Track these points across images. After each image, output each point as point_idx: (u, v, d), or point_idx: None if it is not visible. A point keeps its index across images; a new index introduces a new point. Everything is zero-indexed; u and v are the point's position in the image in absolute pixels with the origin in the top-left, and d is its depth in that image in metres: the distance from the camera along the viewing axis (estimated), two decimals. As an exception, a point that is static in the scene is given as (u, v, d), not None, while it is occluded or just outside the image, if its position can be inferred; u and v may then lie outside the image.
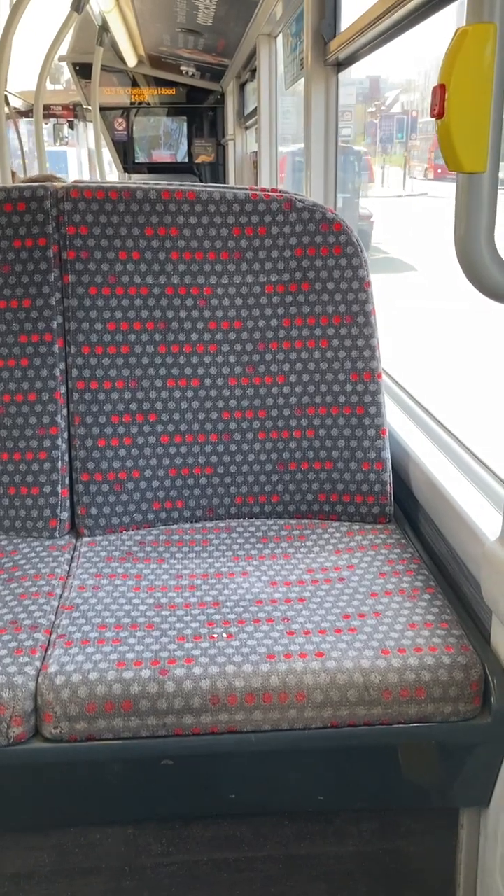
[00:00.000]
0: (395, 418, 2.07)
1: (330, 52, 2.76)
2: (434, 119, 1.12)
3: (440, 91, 1.10)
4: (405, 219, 17.36)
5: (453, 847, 1.53)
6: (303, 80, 3.05)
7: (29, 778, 1.37)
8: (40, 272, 1.80)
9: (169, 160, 8.59)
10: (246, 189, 1.85)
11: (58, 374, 1.83)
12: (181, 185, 1.84)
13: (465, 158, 1.11)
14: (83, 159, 13.27)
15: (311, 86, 2.87)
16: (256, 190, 1.85)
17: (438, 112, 1.10)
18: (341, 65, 2.82)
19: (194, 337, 1.85)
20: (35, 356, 1.82)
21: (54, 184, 1.83)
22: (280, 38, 4.40)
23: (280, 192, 1.86)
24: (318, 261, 1.84)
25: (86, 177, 12.37)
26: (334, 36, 2.76)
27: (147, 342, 1.84)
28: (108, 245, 1.80)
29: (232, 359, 1.86)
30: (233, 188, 1.84)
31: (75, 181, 1.84)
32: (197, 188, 1.83)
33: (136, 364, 1.84)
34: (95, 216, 1.79)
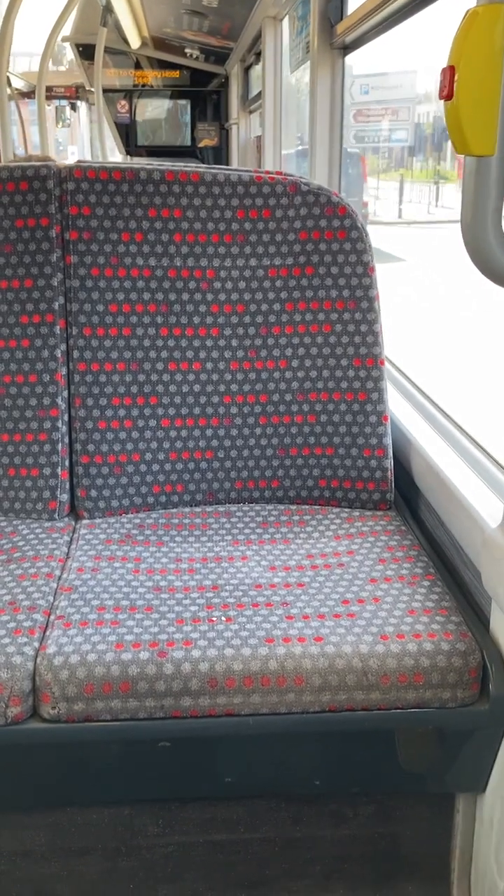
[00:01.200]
0: (396, 405, 2.06)
1: (336, 36, 2.74)
2: (442, 101, 1.11)
3: (449, 73, 1.09)
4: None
5: (448, 832, 1.54)
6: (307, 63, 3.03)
7: (26, 758, 1.38)
8: (42, 252, 1.79)
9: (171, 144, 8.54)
10: (251, 171, 1.83)
11: (59, 355, 1.82)
12: (185, 166, 1.82)
13: (473, 141, 1.10)
14: (85, 142, 13.19)
15: (316, 69, 2.85)
16: (261, 172, 1.84)
17: (447, 94, 1.09)
18: (347, 48, 2.80)
19: (196, 320, 1.84)
20: (36, 337, 1.81)
21: (57, 163, 1.82)
22: (286, 21, 4.37)
23: (285, 174, 1.85)
24: (323, 245, 1.82)
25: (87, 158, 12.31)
26: (341, 19, 2.74)
27: (149, 324, 1.83)
28: (111, 226, 1.79)
29: (234, 342, 1.85)
30: (237, 170, 1.83)
31: (79, 161, 1.82)
32: (201, 169, 1.81)
33: (138, 346, 1.83)
34: (98, 196, 1.78)
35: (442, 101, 1.11)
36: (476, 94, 1.09)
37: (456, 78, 1.08)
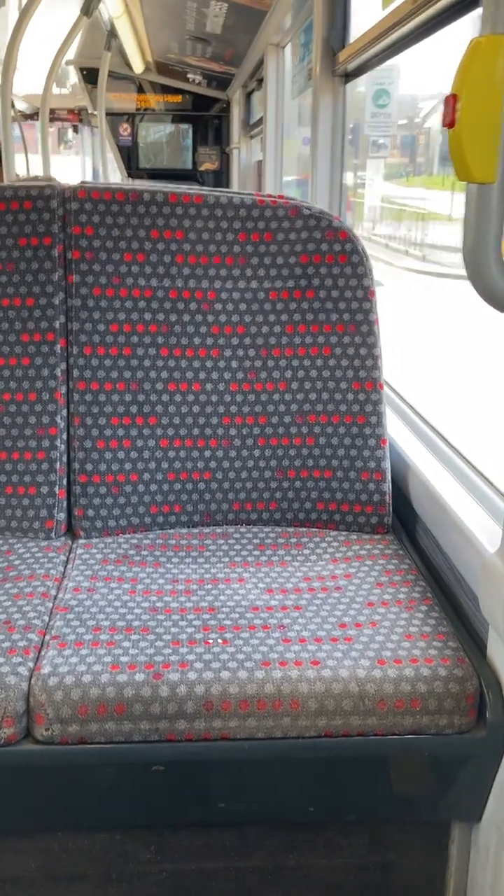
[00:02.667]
0: (395, 429, 2.06)
1: (339, 63, 2.77)
2: (445, 128, 1.12)
3: (452, 101, 1.10)
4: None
5: (444, 861, 1.52)
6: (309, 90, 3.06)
7: (18, 780, 1.36)
8: (45, 271, 1.80)
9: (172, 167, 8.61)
10: (252, 195, 1.85)
11: (59, 374, 1.82)
12: (188, 188, 1.84)
13: (475, 168, 1.11)
14: (87, 164, 13.30)
15: (318, 96, 2.88)
16: (263, 196, 1.85)
17: (450, 122, 1.10)
18: (349, 76, 2.83)
19: (197, 341, 1.84)
20: (37, 355, 1.82)
21: (62, 183, 1.83)
22: (288, 48, 4.42)
23: (287, 198, 1.86)
24: (324, 268, 1.83)
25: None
26: (343, 47, 2.77)
27: (149, 344, 1.83)
28: (114, 246, 1.80)
29: (234, 364, 1.86)
30: (240, 193, 1.84)
31: (82, 182, 1.84)
32: (204, 192, 1.83)
33: (138, 366, 1.83)
34: (102, 217, 1.79)
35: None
36: (478, 122, 1.10)
37: (458, 106, 1.10)
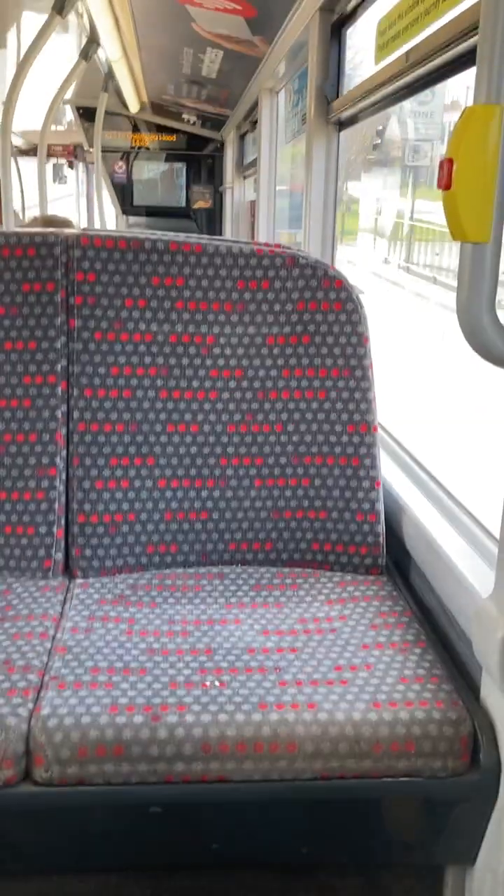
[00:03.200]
0: (389, 471, 2.10)
1: (332, 112, 2.84)
2: (441, 190, 1.17)
3: (448, 164, 1.15)
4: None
5: None
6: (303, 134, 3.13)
7: (17, 822, 1.37)
8: (47, 316, 1.84)
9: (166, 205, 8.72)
10: (250, 244, 1.90)
11: (59, 415, 1.85)
12: (188, 237, 1.89)
13: (469, 229, 1.16)
14: (82, 200, 13.43)
15: (312, 143, 2.94)
16: (261, 245, 1.90)
17: (446, 184, 1.15)
18: (343, 124, 2.90)
19: (195, 384, 1.88)
20: (38, 397, 1.85)
21: (65, 231, 1.88)
22: (282, 94, 4.52)
23: (283, 247, 1.91)
24: (319, 315, 1.88)
25: (83, 216, 12.50)
26: (337, 96, 2.84)
27: (149, 387, 1.87)
28: (115, 292, 1.84)
29: (231, 406, 1.89)
30: (238, 242, 1.89)
31: (84, 229, 1.88)
32: (203, 241, 1.88)
33: (137, 408, 1.87)
34: (104, 264, 1.83)
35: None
36: (472, 185, 1.15)
37: (454, 170, 1.15)
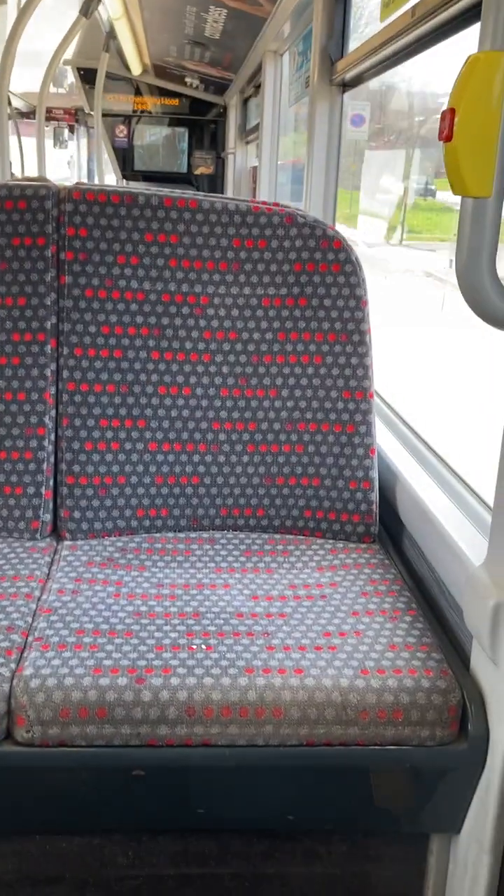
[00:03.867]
0: (383, 439, 2.07)
1: (336, 73, 2.78)
2: (442, 142, 1.13)
3: (449, 115, 1.11)
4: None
5: (422, 873, 1.52)
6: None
7: None
8: (37, 271, 1.79)
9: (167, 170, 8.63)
10: (247, 201, 1.85)
11: (48, 374, 1.82)
12: (183, 193, 1.84)
13: (471, 183, 1.11)
14: (82, 164, 13.28)
15: (315, 104, 2.89)
16: (258, 203, 1.85)
17: (447, 136, 1.11)
18: (347, 85, 2.84)
19: (188, 345, 1.84)
20: (27, 355, 1.81)
21: (57, 184, 1.83)
22: (286, 56, 4.44)
23: (282, 206, 1.86)
24: (317, 277, 1.84)
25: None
26: (341, 56, 2.78)
27: (140, 347, 1.83)
28: (107, 248, 1.80)
29: (225, 369, 1.86)
30: (234, 199, 1.85)
31: (78, 182, 1.83)
32: (199, 197, 1.83)
33: (129, 369, 1.83)
34: (96, 218, 1.79)
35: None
36: (475, 136, 1.11)
37: (456, 121, 1.10)
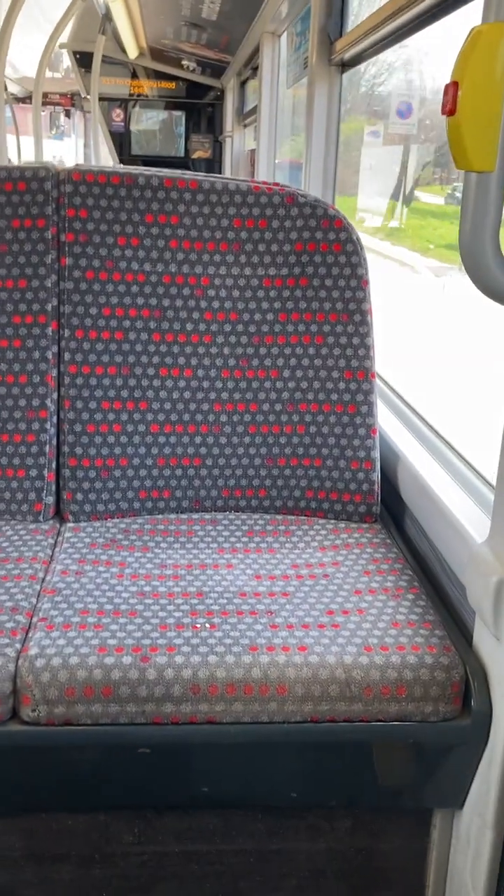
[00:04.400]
0: (385, 419, 2.07)
1: (335, 52, 2.76)
2: (445, 116, 1.12)
3: (452, 88, 1.10)
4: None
5: (425, 848, 1.53)
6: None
7: (3, 760, 1.36)
8: (37, 253, 1.79)
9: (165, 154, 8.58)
10: (248, 181, 1.84)
11: (50, 356, 1.81)
12: (183, 173, 1.83)
13: (474, 157, 1.11)
14: (79, 149, 13.21)
15: (314, 85, 2.87)
16: (258, 182, 1.84)
17: (450, 109, 1.10)
18: (346, 65, 2.82)
19: (189, 327, 1.84)
20: (28, 338, 1.81)
21: (56, 165, 1.82)
22: (284, 37, 4.40)
23: (282, 186, 1.85)
24: (318, 257, 1.83)
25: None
26: (340, 36, 2.76)
27: (141, 329, 1.82)
28: (108, 229, 1.79)
29: (226, 350, 1.86)
30: (235, 179, 1.84)
31: (77, 164, 1.82)
32: (199, 177, 1.82)
33: (130, 351, 1.83)
34: (96, 200, 1.78)
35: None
36: (478, 110, 1.10)
37: (459, 94, 1.09)
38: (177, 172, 1.83)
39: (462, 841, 1.44)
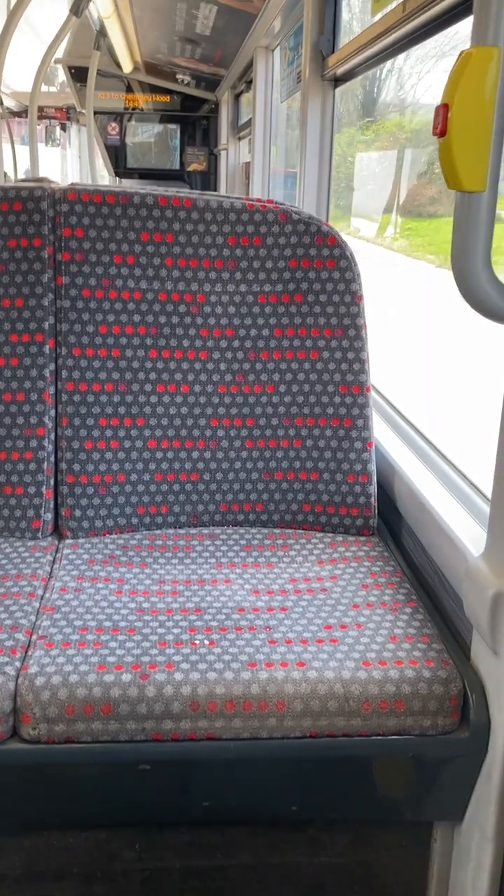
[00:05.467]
0: (381, 432, 2.08)
1: (328, 68, 2.78)
2: (436, 137, 1.14)
3: (443, 110, 1.12)
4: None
5: (426, 861, 1.53)
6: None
7: (4, 779, 1.36)
8: (34, 272, 1.80)
9: (160, 167, 8.61)
10: (242, 199, 1.86)
11: (47, 374, 1.83)
12: (178, 191, 1.85)
13: (465, 177, 1.12)
14: (74, 162, 13.26)
15: (307, 99, 2.90)
16: (252, 200, 1.86)
17: (441, 131, 1.12)
18: (338, 80, 2.85)
19: (186, 343, 1.85)
20: (25, 356, 1.82)
21: (52, 185, 1.83)
22: (277, 52, 4.43)
23: (276, 203, 1.87)
24: (312, 273, 1.85)
25: (75, 179, 12.35)
26: (332, 51, 2.79)
27: (138, 346, 1.84)
28: (104, 248, 1.81)
29: (222, 366, 1.87)
30: (229, 197, 1.85)
31: (73, 183, 1.84)
32: (193, 195, 1.84)
33: (127, 368, 1.84)
34: (92, 219, 1.79)
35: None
36: (468, 132, 1.11)
37: (449, 116, 1.11)
38: (171, 191, 1.84)
39: (463, 854, 1.45)
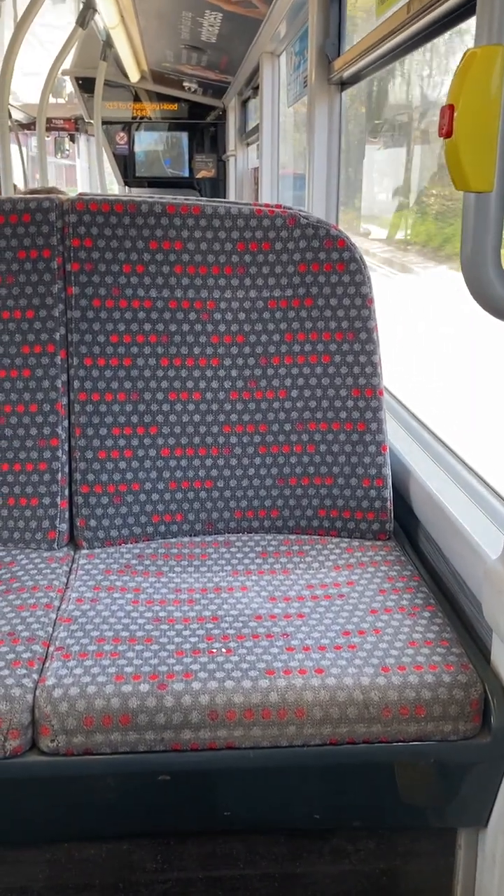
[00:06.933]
0: (395, 435, 2.07)
1: (334, 71, 2.78)
2: (442, 138, 1.13)
3: (449, 111, 1.11)
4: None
5: (450, 868, 1.52)
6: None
7: (24, 791, 1.36)
8: (44, 283, 1.81)
9: (169, 175, 8.63)
10: (250, 204, 1.86)
11: (59, 385, 1.83)
12: (186, 199, 1.85)
13: (472, 178, 1.12)
14: (84, 172, 13.35)
15: (314, 104, 2.90)
16: (261, 205, 1.86)
17: (447, 132, 1.11)
18: (345, 84, 2.85)
19: (196, 350, 1.85)
20: (37, 367, 1.82)
21: (60, 196, 1.84)
22: (283, 57, 4.44)
23: (284, 207, 1.87)
24: (322, 277, 1.84)
25: (87, 189, 12.42)
26: (338, 55, 2.79)
27: (149, 355, 1.84)
28: (113, 257, 1.81)
29: (234, 373, 1.87)
30: (237, 203, 1.85)
31: (81, 193, 1.84)
32: (202, 202, 1.84)
33: (138, 377, 1.84)
34: (100, 229, 1.80)
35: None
36: (475, 132, 1.11)
37: (455, 116, 1.11)
38: (179, 198, 1.84)
39: (488, 860, 1.43)
